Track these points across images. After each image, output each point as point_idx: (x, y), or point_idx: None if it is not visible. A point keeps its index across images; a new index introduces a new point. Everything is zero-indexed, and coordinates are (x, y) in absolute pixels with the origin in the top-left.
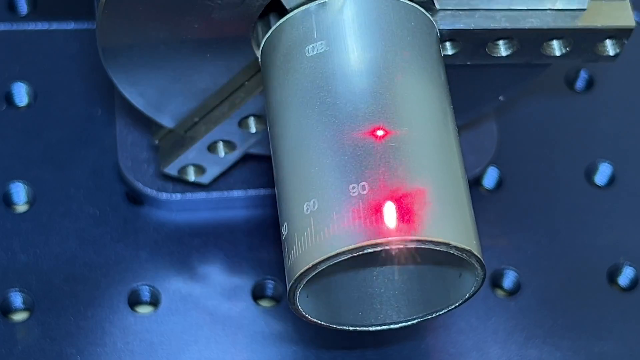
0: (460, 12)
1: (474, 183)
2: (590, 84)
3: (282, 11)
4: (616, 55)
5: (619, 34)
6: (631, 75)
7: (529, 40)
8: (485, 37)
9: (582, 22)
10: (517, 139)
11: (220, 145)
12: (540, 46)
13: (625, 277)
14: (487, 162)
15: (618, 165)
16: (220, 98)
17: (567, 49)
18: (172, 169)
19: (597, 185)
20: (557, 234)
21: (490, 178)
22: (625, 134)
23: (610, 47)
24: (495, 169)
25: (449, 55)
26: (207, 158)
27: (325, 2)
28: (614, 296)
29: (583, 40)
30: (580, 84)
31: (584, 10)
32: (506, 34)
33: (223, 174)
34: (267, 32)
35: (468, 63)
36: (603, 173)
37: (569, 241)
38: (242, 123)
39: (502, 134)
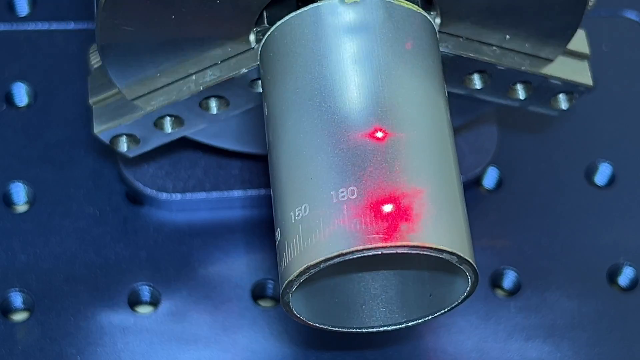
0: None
1: (474, 183)
2: None
3: (283, 10)
4: (566, 109)
5: (576, 89)
6: (631, 75)
7: (501, 78)
8: (466, 66)
9: (550, 71)
10: (517, 139)
11: (168, 121)
12: (508, 87)
13: (625, 277)
14: (487, 162)
15: (618, 165)
16: (186, 72)
17: (530, 93)
18: (105, 136)
19: (597, 185)
20: (557, 234)
21: (490, 178)
22: (625, 134)
23: (563, 101)
24: (495, 169)
25: None
26: (148, 130)
27: (325, 3)
28: (614, 296)
29: (544, 89)
30: None
31: (551, 61)
32: (484, 67)
33: (220, 174)
34: (267, 31)
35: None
36: (603, 173)
37: (569, 241)
38: (204, 103)
39: (502, 134)
